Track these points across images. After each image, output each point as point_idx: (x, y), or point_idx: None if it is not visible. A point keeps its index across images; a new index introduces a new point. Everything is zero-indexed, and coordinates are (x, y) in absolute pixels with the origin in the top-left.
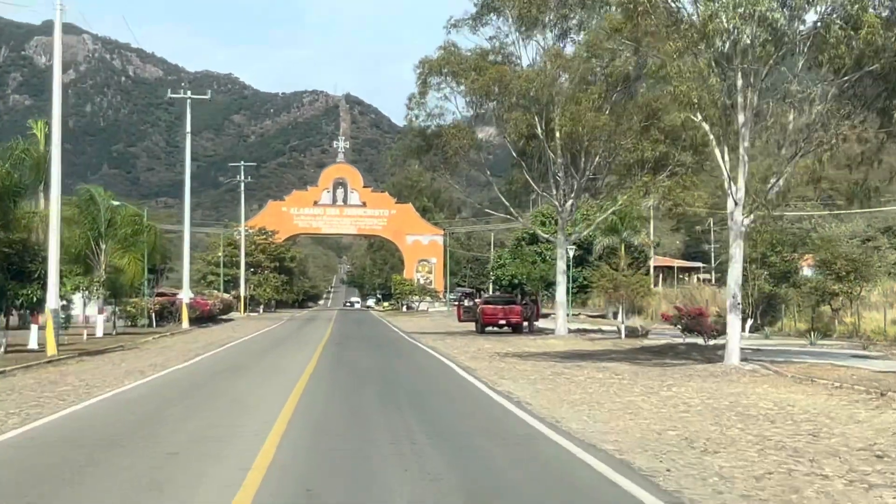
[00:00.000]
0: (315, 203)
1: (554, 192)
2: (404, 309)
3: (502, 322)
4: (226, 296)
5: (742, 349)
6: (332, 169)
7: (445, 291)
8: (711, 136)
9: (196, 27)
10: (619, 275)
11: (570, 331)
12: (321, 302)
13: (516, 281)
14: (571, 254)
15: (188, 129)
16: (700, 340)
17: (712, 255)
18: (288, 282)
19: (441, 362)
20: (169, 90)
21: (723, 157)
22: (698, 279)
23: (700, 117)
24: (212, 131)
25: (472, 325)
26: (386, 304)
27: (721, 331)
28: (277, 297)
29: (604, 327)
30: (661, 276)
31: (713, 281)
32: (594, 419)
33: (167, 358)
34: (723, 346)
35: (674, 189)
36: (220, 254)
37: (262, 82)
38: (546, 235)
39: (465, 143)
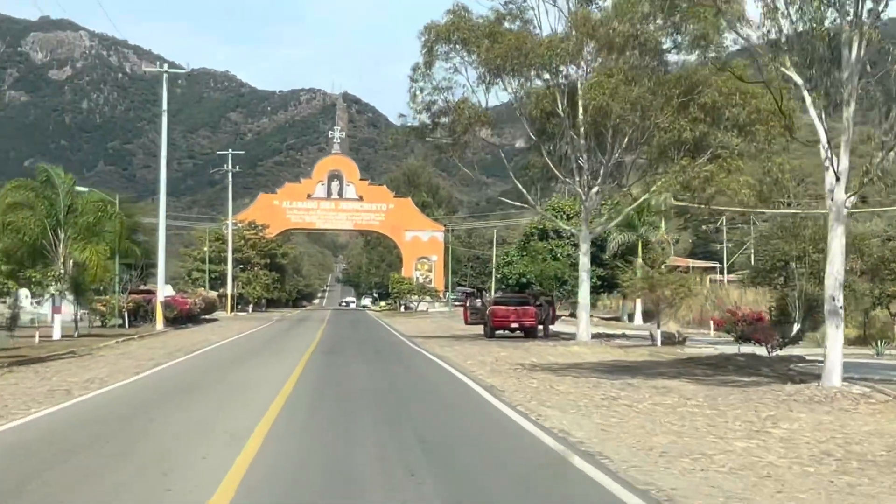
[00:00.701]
0: (309, 196)
1: (577, 177)
2: (402, 309)
3: (514, 325)
4: (210, 293)
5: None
6: (328, 160)
7: (447, 291)
8: (806, 93)
9: (194, 26)
10: (657, 273)
11: (592, 336)
12: (316, 301)
13: (524, 280)
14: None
15: (164, 106)
16: (757, 350)
17: (725, 253)
18: (279, 279)
19: (456, 379)
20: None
21: (820, 120)
22: (710, 280)
23: (789, 66)
24: (208, 129)
25: (479, 329)
26: (383, 303)
27: (784, 340)
28: (268, 295)
29: (626, 332)
30: None
31: (725, 281)
32: (725, 492)
33: (117, 369)
34: (790, 359)
35: (717, 174)
36: (205, 248)
37: (260, 80)
38: (568, 228)
39: (477, 118)
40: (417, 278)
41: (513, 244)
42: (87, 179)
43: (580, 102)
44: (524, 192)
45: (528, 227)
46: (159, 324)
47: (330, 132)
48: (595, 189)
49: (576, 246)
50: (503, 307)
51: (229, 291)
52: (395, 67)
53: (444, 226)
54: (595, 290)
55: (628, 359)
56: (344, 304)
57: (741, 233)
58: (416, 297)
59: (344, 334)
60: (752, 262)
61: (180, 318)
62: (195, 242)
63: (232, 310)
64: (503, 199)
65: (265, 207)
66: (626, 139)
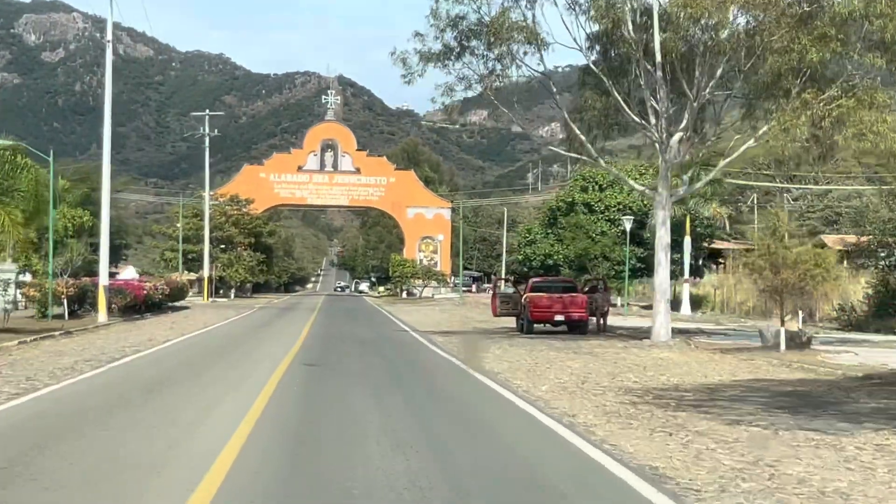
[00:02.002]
0: (299, 168)
1: (652, 120)
2: (404, 295)
3: (560, 318)
4: (179, 277)
5: None
6: (320, 128)
7: (459, 275)
8: None
9: (188, 9)
10: (782, 248)
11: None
12: (309, 286)
13: (550, 261)
14: (628, 227)
15: (109, 36)
16: None
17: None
18: (266, 261)
19: (564, 443)
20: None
21: None
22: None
23: None
24: (202, 111)
25: (508, 322)
26: (381, 288)
27: None
28: (254, 279)
29: (701, 326)
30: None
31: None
32: None
33: None
34: None
35: (856, 109)
36: (179, 225)
37: (254, 63)
38: (641, 187)
39: (523, 35)
40: (421, 260)
41: (521, 224)
42: (80, 162)
43: (657, 15)
44: (580, 135)
45: (554, 200)
46: (102, 314)
47: (324, 97)
48: (677, 136)
49: (611, 222)
50: (545, 295)
51: (206, 274)
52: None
53: (451, 202)
54: (633, 274)
55: (774, 376)
56: (338, 289)
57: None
58: (421, 281)
59: (337, 330)
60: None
61: (135, 306)
62: (172, 219)
63: (209, 296)
64: (553, 147)
65: (250, 181)
66: (721, 69)
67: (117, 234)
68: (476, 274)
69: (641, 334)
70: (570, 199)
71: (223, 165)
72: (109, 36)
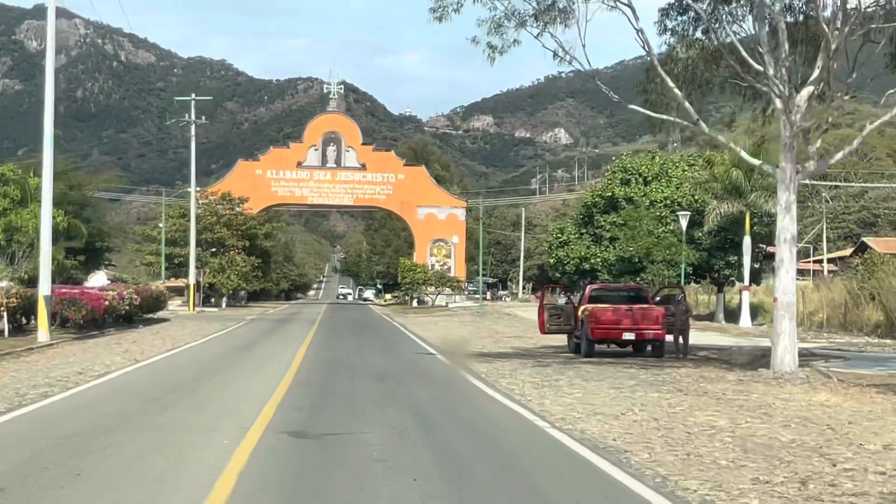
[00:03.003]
0: (299, 164)
1: (770, 70)
2: (414, 303)
3: (630, 336)
4: (161, 284)
5: None
6: (322, 120)
7: (479, 282)
8: None
9: (192, 16)
10: None
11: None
12: (311, 293)
13: (587, 266)
14: (684, 224)
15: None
16: None
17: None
18: (261, 266)
19: None
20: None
21: None
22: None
23: None
24: (205, 117)
25: (553, 339)
26: (388, 296)
27: None
28: (248, 286)
29: (810, 345)
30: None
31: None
32: None
33: None
34: None
35: None
36: (161, 224)
37: (256, 69)
38: (758, 162)
39: None
40: (433, 265)
41: (537, 226)
42: (81, 169)
43: None
44: (674, 90)
45: (589, 195)
46: (42, 332)
47: (325, 86)
48: (807, 91)
49: (658, 219)
50: (609, 307)
51: (191, 281)
52: (392, 59)
53: (466, 201)
54: (688, 277)
55: None
56: (341, 296)
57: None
58: (435, 288)
59: (342, 354)
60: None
61: (95, 320)
62: (159, 219)
63: (197, 305)
64: (634, 107)
65: (245, 178)
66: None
67: (98, 236)
68: (490, 280)
69: (736, 357)
70: (610, 194)
71: (224, 172)
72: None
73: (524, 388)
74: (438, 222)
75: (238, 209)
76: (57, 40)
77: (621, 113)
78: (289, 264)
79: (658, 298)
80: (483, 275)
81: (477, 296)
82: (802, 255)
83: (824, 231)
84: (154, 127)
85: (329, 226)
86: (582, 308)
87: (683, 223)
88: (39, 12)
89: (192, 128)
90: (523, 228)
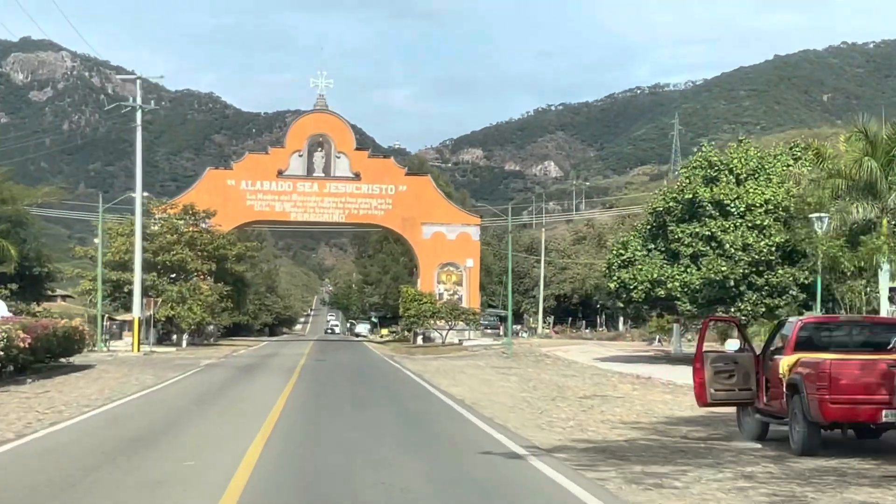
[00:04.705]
0: (280, 174)
1: None
2: (419, 340)
3: (892, 418)
4: (76, 321)
5: None
6: (307, 120)
7: (508, 316)
8: None
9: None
10: None
11: None
12: (298, 327)
13: (660, 292)
14: (820, 229)
15: None
16: None
17: None
18: (232, 295)
19: None
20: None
21: None
22: None
23: None
24: (192, 151)
25: (711, 414)
26: (385, 331)
27: None
28: (214, 321)
29: None
30: None
31: None
32: None
33: None
34: None
35: None
36: (97, 241)
37: (245, 102)
38: None
39: None
40: (441, 293)
41: (553, 251)
42: (67, 202)
43: None
44: None
45: (660, 197)
46: None
47: (312, 80)
48: None
49: (757, 229)
50: (853, 361)
51: (135, 314)
52: (381, 92)
53: (480, 217)
54: (795, 306)
55: None
56: (329, 330)
57: None
58: (446, 322)
59: (339, 467)
60: None
61: None
62: (107, 236)
63: (139, 346)
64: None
65: (215, 190)
66: None
67: (36, 260)
68: (503, 312)
69: None
70: (690, 196)
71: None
72: None
73: None
74: (447, 243)
75: (204, 225)
76: (43, 73)
77: (612, 146)
78: (272, 295)
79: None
80: (492, 305)
81: (490, 331)
82: None
83: None
84: (141, 160)
85: (318, 258)
86: (787, 361)
87: (820, 227)
88: (26, 45)
89: (138, 115)
90: (543, 250)
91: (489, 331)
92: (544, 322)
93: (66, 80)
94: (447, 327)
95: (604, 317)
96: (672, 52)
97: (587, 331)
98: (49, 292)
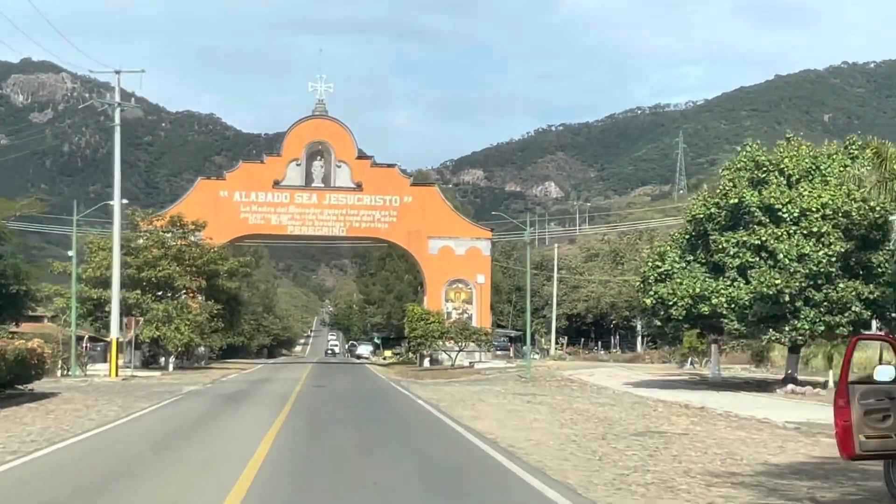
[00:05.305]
0: (276, 184)
1: None
2: (426, 363)
3: None
4: (35, 342)
5: None
6: (306, 127)
7: (527, 336)
8: None
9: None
10: None
11: None
12: (297, 348)
13: (703, 309)
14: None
15: None
16: None
17: None
18: (223, 314)
19: None
20: None
21: None
22: None
23: None
24: (192, 172)
25: (831, 455)
26: (388, 353)
27: None
28: (204, 341)
29: None
30: None
31: None
32: None
33: None
34: None
35: None
36: (71, 253)
37: (245, 123)
38: None
39: None
40: (450, 312)
41: (563, 269)
42: (66, 223)
43: None
44: None
45: (701, 203)
46: None
47: (311, 83)
48: None
49: (814, 237)
50: None
51: (113, 334)
52: (382, 114)
53: (490, 230)
54: (859, 324)
55: None
56: (329, 352)
57: None
58: (457, 343)
59: None
60: None
61: None
62: (87, 252)
63: (116, 370)
64: None
65: (207, 201)
66: None
67: (15, 277)
68: (512, 333)
69: None
70: (735, 201)
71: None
72: None
73: None
74: (456, 258)
75: (194, 238)
76: (44, 94)
77: (612, 166)
78: (270, 316)
79: None
80: (501, 325)
81: (500, 353)
82: None
83: None
84: (141, 181)
85: (318, 279)
86: None
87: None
88: (26, 66)
89: (117, 113)
90: (556, 267)
91: (500, 352)
92: (557, 343)
93: (67, 102)
94: (457, 348)
95: (618, 337)
96: (672, 73)
97: (602, 352)
98: (30, 312)
